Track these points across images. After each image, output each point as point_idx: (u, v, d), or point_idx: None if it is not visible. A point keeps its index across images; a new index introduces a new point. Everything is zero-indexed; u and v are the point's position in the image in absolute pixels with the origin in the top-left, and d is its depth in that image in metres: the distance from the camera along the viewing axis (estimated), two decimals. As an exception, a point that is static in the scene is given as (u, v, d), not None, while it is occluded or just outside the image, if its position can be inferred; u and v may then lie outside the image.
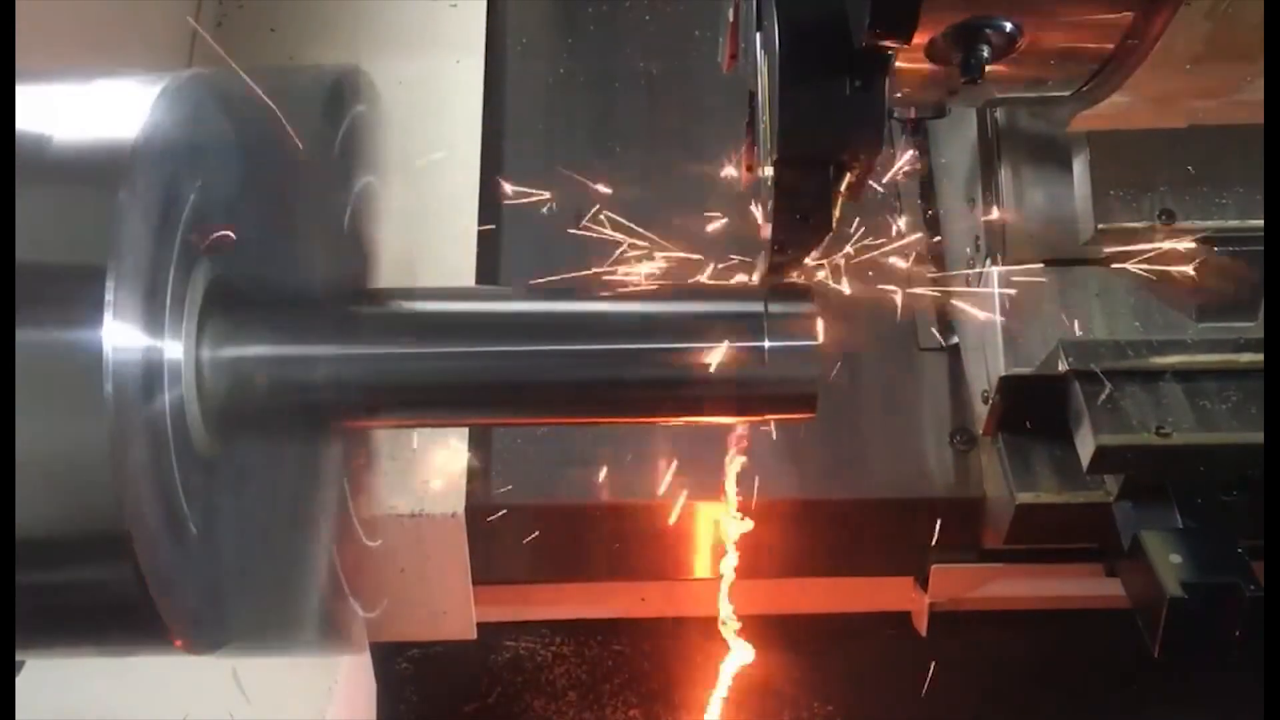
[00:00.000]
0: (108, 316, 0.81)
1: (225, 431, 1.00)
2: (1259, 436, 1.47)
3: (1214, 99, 1.19)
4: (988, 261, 1.62)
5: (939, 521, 1.76)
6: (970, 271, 1.69)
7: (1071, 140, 1.54)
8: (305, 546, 1.06)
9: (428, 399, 1.10)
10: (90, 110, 0.87)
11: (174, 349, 0.90)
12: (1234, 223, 1.50)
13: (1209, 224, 1.51)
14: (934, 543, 1.80)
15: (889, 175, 1.54)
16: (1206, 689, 1.88)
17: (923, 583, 1.88)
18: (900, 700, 2.18)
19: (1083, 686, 2.07)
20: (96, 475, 0.82)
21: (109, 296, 0.81)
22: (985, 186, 1.63)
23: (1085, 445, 1.48)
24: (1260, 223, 1.48)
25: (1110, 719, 1.99)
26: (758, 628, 1.93)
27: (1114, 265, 1.57)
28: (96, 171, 0.84)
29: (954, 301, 1.77)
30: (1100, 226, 1.52)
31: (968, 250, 1.70)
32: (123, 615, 0.89)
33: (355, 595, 1.64)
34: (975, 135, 1.65)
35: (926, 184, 1.87)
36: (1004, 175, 1.60)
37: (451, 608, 1.82)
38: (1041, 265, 1.59)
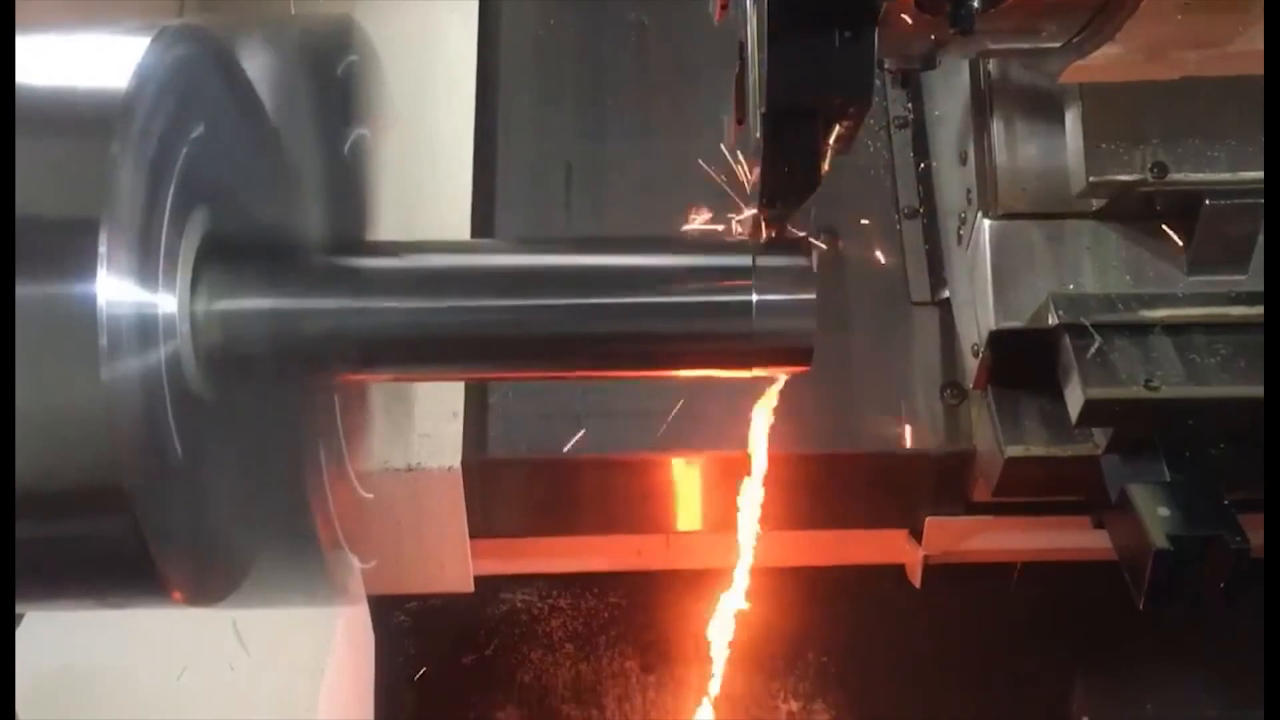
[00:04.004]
0: (101, 270, 0.81)
1: (221, 384, 1.01)
2: (1247, 390, 1.48)
3: (1206, 49, 1.19)
4: (979, 215, 1.62)
5: (934, 476, 1.78)
6: (962, 224, 1.69)
7: (1064, 93, 1.53)
8: (303, 499, 1.07)
9: (421, 352, 1.11)
10: (81, 60, 0.87)
11: (169, 302, 0.91)
12: (1226, 175, 1.50)
13: (1201, 177, 1.51)
14: (927, 496, 1.82)
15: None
16: (1192, 639, 1.91)
17: (916, 535, 1.90)
18: (896, 650, 2.20)
19: (1071, 637, 2.10)
20: (93, 430, 0.82)
21: (102, 249, 0.81)
22: (977, 139, 1.62)
23: (1074, 399, 1.49)
24: (1253, 174, 1.48)
25: (1097, 668, 2.01)
26: (753, 580, 1.95)
27: (1105, 218, 1.57)
28: (88, 123, 0.84)
29: (945, 255, 1.77)
30: (1092, 179, 1.52)
31: (959, 204, 1.70)
32: (121, 568, 0.90)
33: (353, 547, 1.65)
34: (967, 88, 1.65)
35: (918, 137, 1.87)
36: (996, 128, 1.60)
37: (449, 561, 1.83)
38: (1033, 218, 1.60)
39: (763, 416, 1.47)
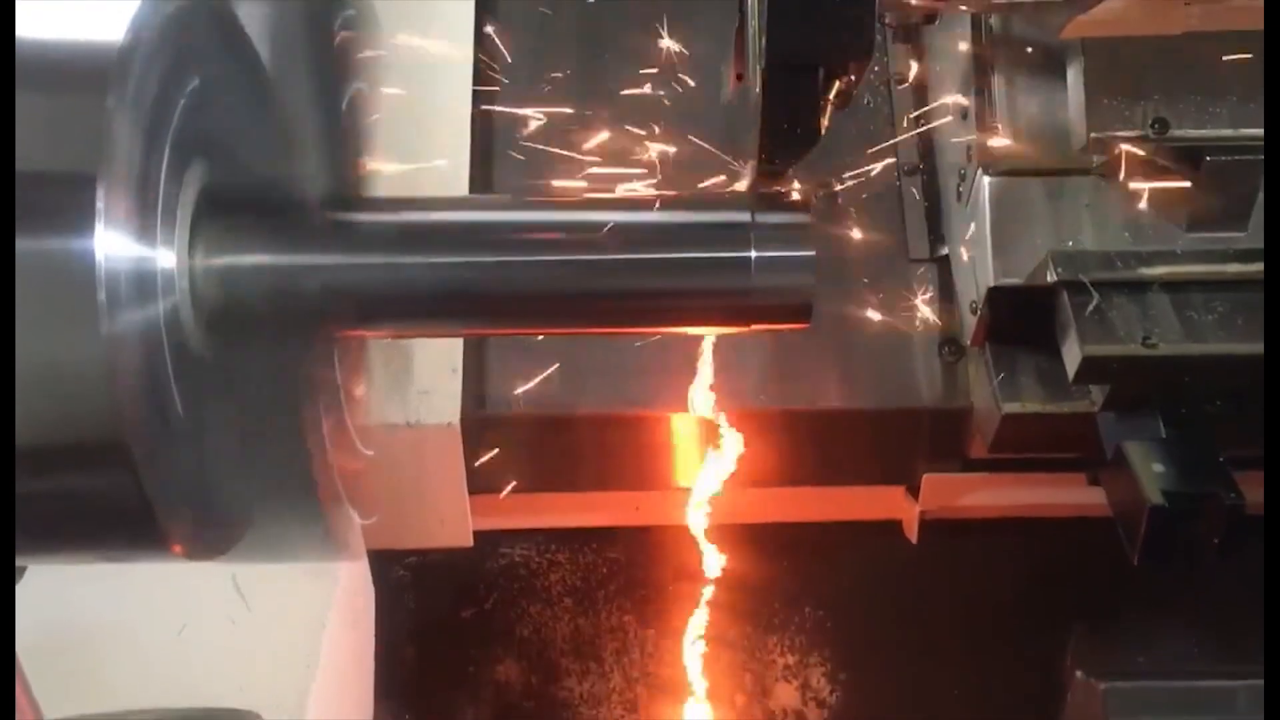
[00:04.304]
0: (99, 225, 0.81)
1: (220, 339, 1.01)
2: (1244, 347, 1.48)
3: (1207, 3, 1.18)
4: (979, 172, 1.61)
5: (931, 433, 1.79)
6: (961, 181, 1.69)
7: (1065, 49, 1.52)
8: (302, 454, 1.07)
9: (419, 308, 1.11)
10: (76, 14, 0.86)
11: (167, 257, 0.91)
12: (1227, 131, 1.49)
13: (1202, 133, 1.50)
14: (924, 453, 1.83)
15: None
16: (1185, 594, 1.92)
17: (913, 492, 1.91)
18: (891, 605, 2.22)
19: (1066, 592, 2.11)
20: (93, 385, 0.83)
21: (100, 205, 0.81)
22: (978, 95, 1.62)
23: (1072, 356, 1.49)
24: (1254, 131, 1.48)
25: (1091, 623, 2.03)
26: (751, 536, 1.96)
27: (1105, 175, 1.57)
28: (84, 77, 0.84)
29: (944, 212, 1.77)
30: (1093, 136, 1.51)
31: (959, 160, 1.70)
32: (122, 523, 0.90)
33: (353, 503, 1.66)
34: (969, 43, 1.64)
35: (919, 92, 1.86)
36: (997, 84, 1.59)
37: (448, 516, 1.85)
38: (1033, 175, 1.59)
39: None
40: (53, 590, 1.37)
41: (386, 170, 1.25)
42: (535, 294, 1.10)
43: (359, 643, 1.83)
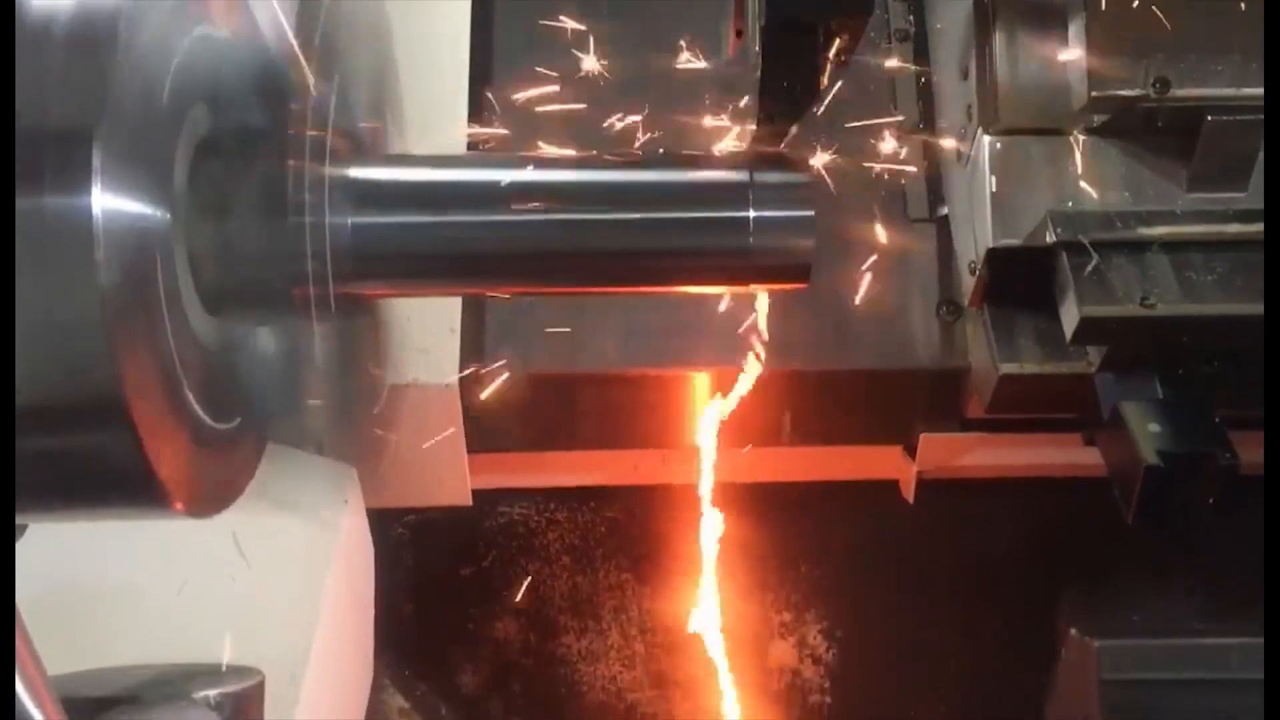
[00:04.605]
0: (96, 182, 0.81)
1: (218, 297, 1.01)
2: (1243, 308, 1.48)
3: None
4: (979, 131, 1.61)
5: (929, 393, 1.79)
6: (961, 141, 1.68)
7: (1068, 6, 1.51)
8: (301, 409, 1.08)
9: (417, 267, 1.11)
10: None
11: (164, 214, 0.91)
12: (1229, 91, 1.48)
13: (1204, 92, 1.49)
14: (922, 413, 1.83)
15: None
16: (1179, 554, 1.94)
17: (911, 451, 1.91)
18: (887, 563, 2.24)
19: (1060, 551, 2.13)
20: (91, 342, 0.83)
21: (96, 162, 0.81)
22: (979, 53, 1.60)
23: (1070, 316, 1.49)
24: (1256, 91, 1.47)
25: (1085, 582, 2.05)
26: (749, 495, 1.97)
27: (1106, 135, 1.56)
28: (81, 35, 0.83)
29: (944, 171, 1.76)
30: (1094, 95, 1.50)
31: (959, 119, 1.69)
32: (122, 481, 0.91)
33: (347, 457, 1.67)
34: (969, 1, 1.63)
35: (920, 51, 1.85)
36: (998, 42, 1.58)
37: (447, 475, 1.85)
38: (1033, 135, 1.59)
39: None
40: (55, 548, 1.38)
41: (385, 125, 1.24)
42: (533, 253, 1.10)
43: (359, 600, 1.85)
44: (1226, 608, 1.91)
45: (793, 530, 2.23)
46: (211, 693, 1.10)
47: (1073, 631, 1.89)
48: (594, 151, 1.16)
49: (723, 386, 1.74)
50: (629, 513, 2.26)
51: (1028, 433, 1.83)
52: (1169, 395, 1.52)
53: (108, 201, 0.82)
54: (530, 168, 1.14)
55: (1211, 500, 1.47)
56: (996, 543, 2.18)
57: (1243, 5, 1.45)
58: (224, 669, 1.18)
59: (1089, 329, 1.49)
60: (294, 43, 1.04)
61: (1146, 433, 1.46)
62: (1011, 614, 2.16)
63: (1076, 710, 1.86)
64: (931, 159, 1.80)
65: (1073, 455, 1.76)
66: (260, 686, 1.18)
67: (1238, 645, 1.76)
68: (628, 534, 2.27)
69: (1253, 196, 1.54)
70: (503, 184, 1.12)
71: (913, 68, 1.83)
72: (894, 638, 2.27)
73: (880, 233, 1.73)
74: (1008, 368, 1.62)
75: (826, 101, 1.18)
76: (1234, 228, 1.53)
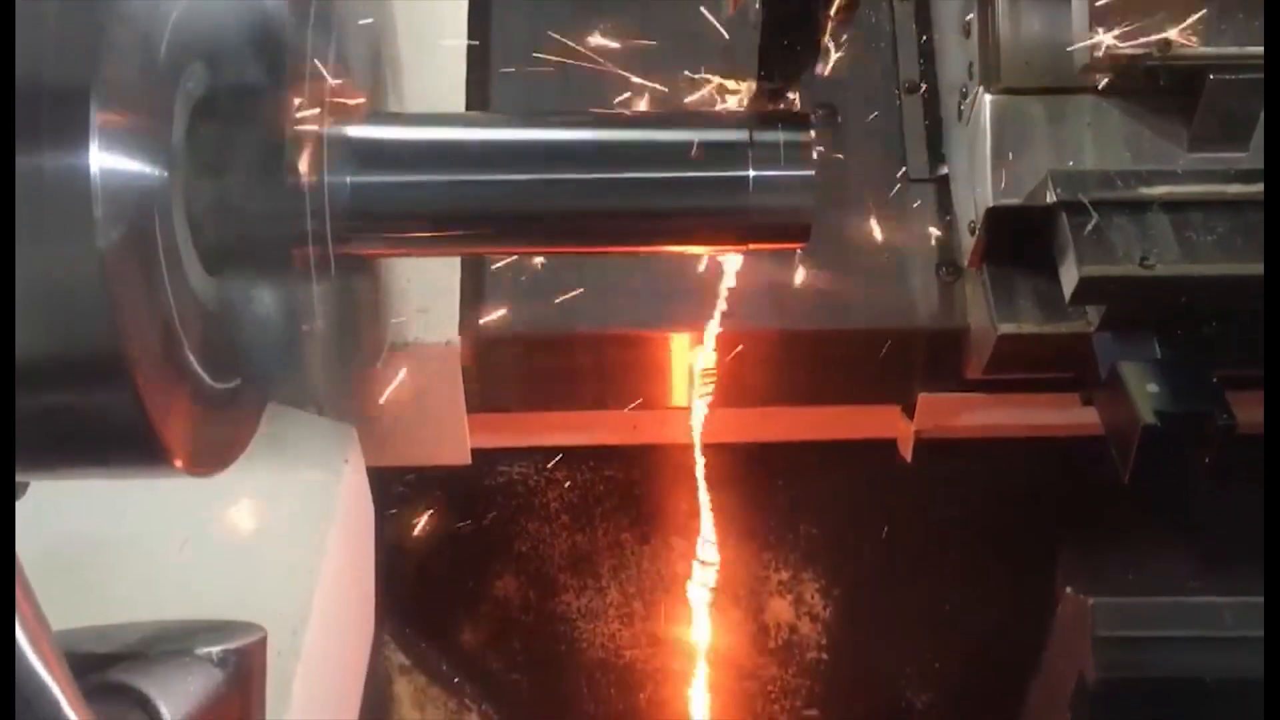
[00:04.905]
0: (93, 140, 0.81)
1: (217, 257, 1.01)
2: (1242, 268, 1.48)
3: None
4: (980, 90, 1.60)
5: (928, 353, 1.79)
6: (962, 99, 1.67)
7: (1071, -37, 1.50)
8: (301, 368, 1.08)
9: (415, 227, 1.11)
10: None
11: (162, 172, 0.90)
12: (1232, 50, 1.47)
13: (1206, 51, 1.48)
14: (920, 373, 1.83)
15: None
16: (1175, 514, 1.94)
17: (909, 411, 1.92)
18: (885, 522, 2.25)
19: (1057, 511, 2.14)
20: (91, 301, 0.83)
21: (94, 120, 0.81)
22: (981, 11, 1.59)
23: (1069, 276, 1.49)
24: (1258, 49, 1.46)
25: (1081, 542, 2.06)
26: (747, 454, 1.98)
27: (1108, 94, 1.56)
28: None
29: (944, 131, 1.76)
30: (1096, 53, 1.49)
31: (961, 78, 1.68)
32: (123, 439, 0.91)
33: (347, 417, 1.67)
34: (973, -43, 1.61)
35: (921, 9, 1.83)
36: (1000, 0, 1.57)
37: (446, 434, 1.86)
38: (1035, 94, 1.58)
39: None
40: (57, 506, 1.39)
41: (382, 84, 1.24)
42: (531, 213, 1.10)
43: (360, 558, 1.86)
44: (1221, 567, 1.92)
45: (790, 490, 2.24)
46: (214, 649, 1.11)
47: (1068, 589, 1.90)
48: (593, 110, 1.16)
49: (721, 347, 1.74)
50: (628, 472, 2.27)
51: (1026, 393, 1.83)
52: (1167, 355, 1.52)
53: (105, 160, 0.82)
54: (529, 127, 1.13)
55: (1208, 460, 1.48)
56: (993, 502, 2.20)
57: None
58: (226, 624, 1.19)
59: (1088, 289, 1.49)
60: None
61: (1144, 393, 1.47)
62: (1007, 572, 2.18)
63: (1071, 667, 1.87)
64: (932, 118, 1.79)
65: (1071, 415, 1.76)
66: (263, 642, 1.19)
67: (1231, 604, 1.77)
68: (627, 493, 2.28)
69: (1254, 156, 1.54)
70: (502, 143, 1.11)
71: (914, 26, 1.82)
72: (891, 596, 2.29)
73: (880, 193, 1.73)
74: (1006, 328, 1.62)
75: (827, 60, 1.17)
76: (1235, 188, 1.52)
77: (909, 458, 1.98)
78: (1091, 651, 1.78)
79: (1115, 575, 1.93)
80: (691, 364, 1.82)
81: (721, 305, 1.57)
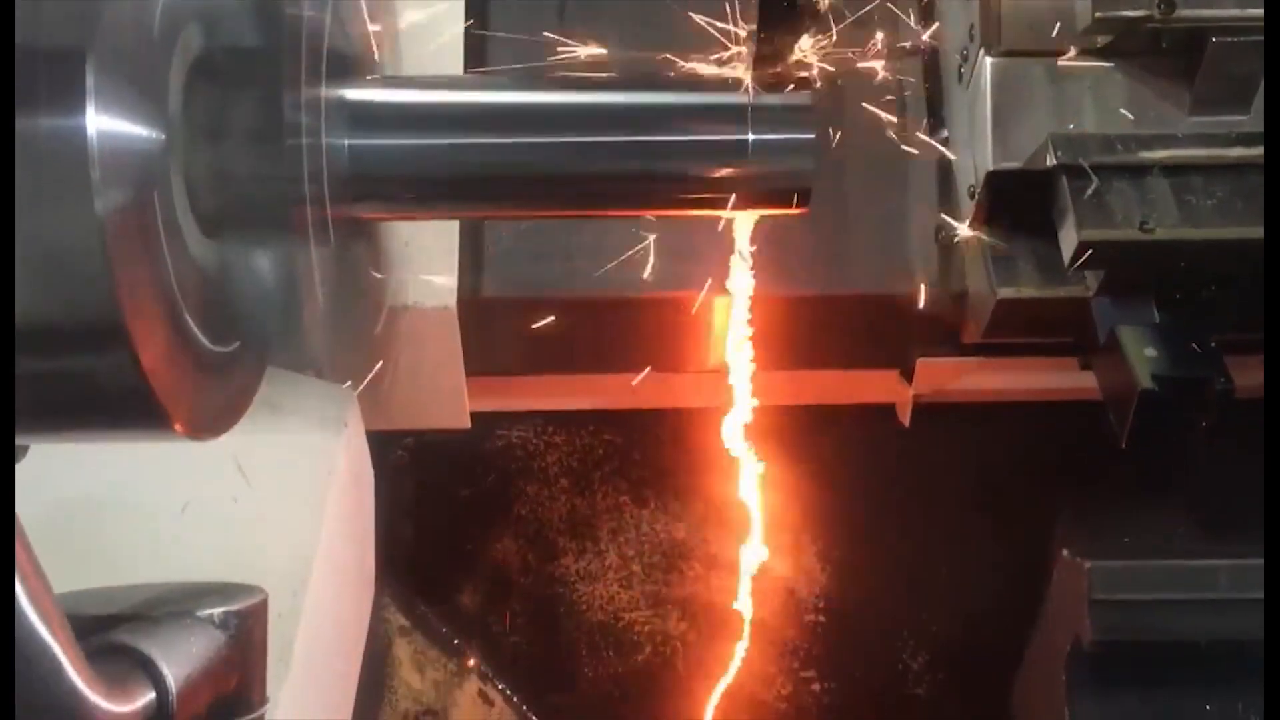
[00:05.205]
0: (90, 102, 0.80)
1: (215, 220, 1.01)
2: (1241, 232, 1.48)
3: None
4: (981, 51, 1.59)
5: (926, 317, 1.79)
6: (963, 62, 1.66)
7: (1073, -76, 1.49)
8: (300, 332, 1.08)
9: (414, 191, 1.10)
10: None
11: (159, 134, 0.90)
12: (1234, 12, 1.47)
13: (1209, 13, 1.47)
14: (919, 337, 1.84)
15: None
16: (1171, 478, 1.95)
17: (907, 375, 1.92)
18: (882, 487, 2.26)
19: (1054, 475, 2.15)
20: (90, 264, 0.83)
21: (90, 82, 0.80)
22: (983, -29, 1.58)
23: (1068, 240, 1.49)
24: (1260, 11, 1.45)
25: (1078, 505, 2.07)
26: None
27: (1110, 57, 1.55)
28: None
29: (945, 94, 1.75)
30: (1098, 15, 1.48)
31: (962, 40, 1.67)
32: (123, 402, 0.91)
33: (346, 377, 1.68)
34: (974, -82, 1.60)
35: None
36: (1002, -40, 1.56)
37: (445, 398, 1.86)
38: (1036, 56, 1.57)
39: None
40: (58, 469, 1.39)
41: (380, 44, 1.23)
42: (530, 176, 1.10)
43: (360, 522, 1.87)
44: (1216, 530, 1.93)
45: (788, 453, 2.24)
46: (216, 610, 1.12)
47: (1065, 553, 1.91)
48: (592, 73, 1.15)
49: (720, 310, 1.73)
50: (627, 436, 2.28)
51: (1024, 357, 1.83)
52: (1166, 320, 1.52)
53: (103, 122, 0.81)
54: (528, 90, 1.13)
55: (1205, 424, 1.48)
56: (991, 466, 2.20)
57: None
58: (227, 588, 1.19)
59: (1087, 253, 1.49)
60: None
61: (1142, 357, 1.47)
62: (1005, 536, 2.19)
63: (1067, 630, 1.89)
64: (932, 81, 1.78)
65: (1069, 379, 1.76)
66: (263, 604, 1.19)
67: (1226, 566, 1.78)
68: (626, 457, 2.28)
69: (1255, 120, 1.53)
70: (500, 106, 1.11)
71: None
72: (888, 560, 2.30)
73: (879, 156, 1.72)
74: (1005, 292, 1.62)
75: (826, 20, 1.17)
76: (1235, 151, 1.52)
77: (907, 422, 1.98)
78: (1087, 614, 1.80)
79: (1112, 539, 1.94)
80: (692, 329, 1.83)
81: (747, 263, 1.55)
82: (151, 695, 0.98)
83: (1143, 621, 1.80)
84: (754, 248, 1.60)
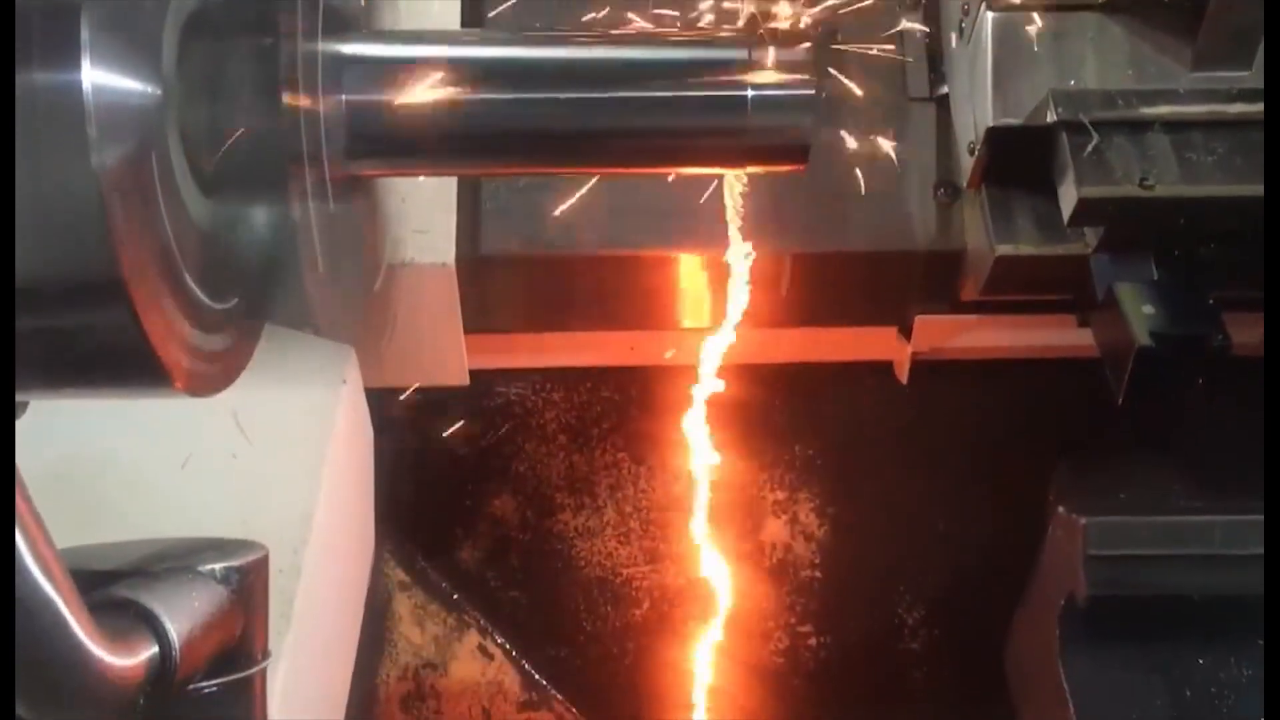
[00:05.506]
0: (85, 59, 0.80)
1: (212, 177, 1.00)
2: (1241, 189, 1.47)
3: None
4: (982, 6, 1.58)
5: (925, 274, 1.79)
6: (964, 16, 1.65)
7: (1076, -123, 1.47)
8: (299, 289, 1.08)
9: (411, 146, 1.10)
10: None
11: (155, 90, 0.89)
12: (1236, -35, 1.46)
13: (1211, -34, 1.47)
14: (917, 294, 1.83)
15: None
16: (1167, 434, 1.96)
17: (905, 333, 1.92)
18: (880, 443, 2.27)
19: (1051, 432, 2.15)
20: (88, 220, 0.83)
21: (85, 36, 0.80)
22: (984, -74, 1.57)
23: (1068, 197, 1.49)
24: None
25: (1074, 461, 2.08)
26: (743, 376, 1.98)
27: (1111, 11, 1.54)
28: None
29: (945, 49, 1.73)
30: (1100, -30, 1.47)
31: (963, -6, 1.66)
32: (122, 359, 0.91)
33: (345, 337, 1.68)
34: None
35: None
36: (1004, -86, 1.54)
37: (444, 355, 1.86)
38: (1037, 10, 1.56)
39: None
40: (58, 426, 1.40)
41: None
42: (529, 131, 1.09)
43: (359, 478, 1.87)
44: (1211, 486, 1.94)
45: (787, 410, 2.25)
46: (217, 566, 1.13)
47: (1060, 509, 1.92)
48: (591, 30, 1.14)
49: (719, 268, 1.73)
50: (625, 393, 2.28)
51: (1022, 314, 1.83)
52: (1164, 277, 1.52)
53: (98, 78, 0.81)
54: (526, 45, 1.12)
55: (1201, 381, 1.49)
56: (988, 423, 2.21)
57: None
58: (228, 542, 1.20)
59: (1087, 210, 1.48)
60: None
61: (1140, 314, 1.47)
62: (1001, 492, 2.20)
63: (1063, 585, 1.90)
64: (933, 36, 1.77)
65: (1066, 336, 1.77)
66: (264, 560, 1.20)
67: (1221, 522, 1.79)
68: (624, 414, 2.29)
69: (1257, 75, 1.52)
70: (498, 62, 1.10)
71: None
72: (885, 516, 2.31)
73: (879, 112, 1.71)
74: (1004, 249, 1.62)
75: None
76: (1236, 107, 1.51)
77: (905, 379, 1.98)
78: (1082, 569, 1.81)
79: (1107, 495, 1.95)
80: (691, 286, 1.83)
81: (719, 227, 1.55)
82: (154, 649, 0.98)
83: (1137, 576, 1.82)
84: (753, 205, 1.59)
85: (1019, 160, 1.58)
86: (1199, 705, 1.81)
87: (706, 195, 1.62)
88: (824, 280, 1.83)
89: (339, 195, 1.12)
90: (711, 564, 2.00)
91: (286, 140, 1.02)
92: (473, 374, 1.92)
